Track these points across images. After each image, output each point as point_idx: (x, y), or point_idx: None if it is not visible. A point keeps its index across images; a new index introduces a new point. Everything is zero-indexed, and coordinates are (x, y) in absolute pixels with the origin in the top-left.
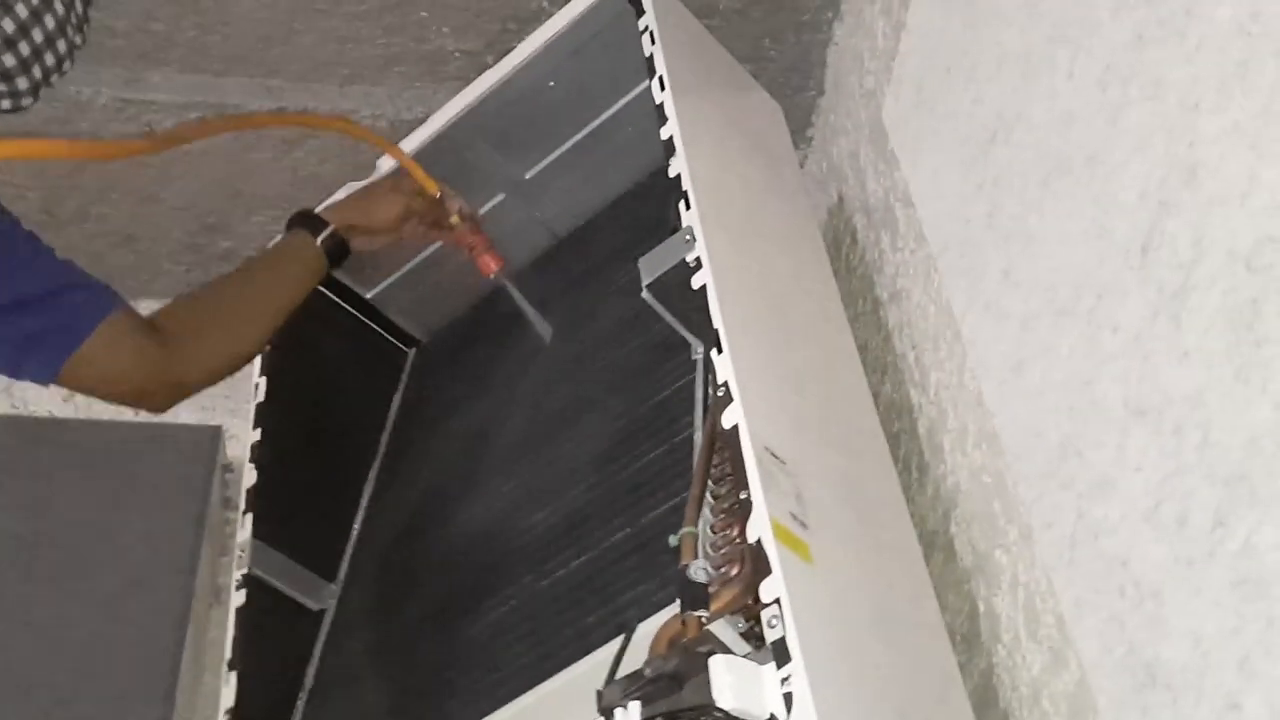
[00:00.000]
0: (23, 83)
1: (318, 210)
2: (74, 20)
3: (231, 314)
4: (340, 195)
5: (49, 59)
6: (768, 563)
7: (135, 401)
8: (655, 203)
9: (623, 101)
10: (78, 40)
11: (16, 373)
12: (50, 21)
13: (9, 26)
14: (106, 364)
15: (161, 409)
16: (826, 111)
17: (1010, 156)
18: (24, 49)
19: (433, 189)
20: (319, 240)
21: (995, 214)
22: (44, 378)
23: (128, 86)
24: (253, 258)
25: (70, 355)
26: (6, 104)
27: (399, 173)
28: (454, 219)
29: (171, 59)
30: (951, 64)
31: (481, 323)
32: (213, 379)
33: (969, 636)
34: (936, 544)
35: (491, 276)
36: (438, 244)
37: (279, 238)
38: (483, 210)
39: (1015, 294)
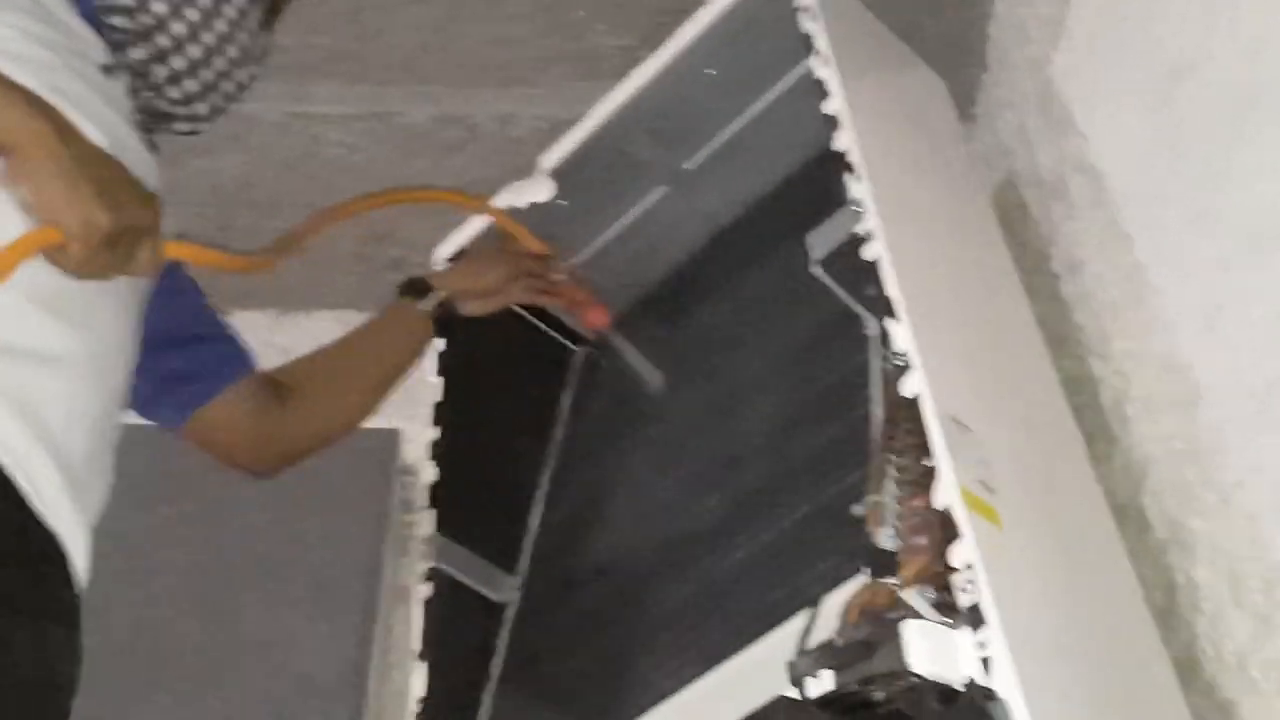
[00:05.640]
0: (201, 108)
1: (428, 275)
2: (256, 52)
3: (341, 384)
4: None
5: (228, 86)
6: (957, 528)
7: (245, 463)
8: (816, 187)
9: (781, 85)
10: (257, 71)
11: (149, 411)
12: (234, 51)
13: (195, 53)
14: (231, 421)
15: (265, 475)
16: (990, 86)
17: (1195, 95)
18: (207, 75)
19: (539, 247)
20: (424, 307)
21: (1182, 157)
22: (174, 421)
23: (296, 101)
24: (361, 326)
25: (204, 404)
26: (185, 126)
27: (503, 234)
28: (558, 276)
29: (336, 71)
30: (1126, 9)
31: (647, 316)
32: (318, 448)
33: (1167, 609)
34: (1127, 517)
35: (597, 331)
36: (607, 237)
37: (386, 305)
38: (644, 204)
39: (1208, 236)
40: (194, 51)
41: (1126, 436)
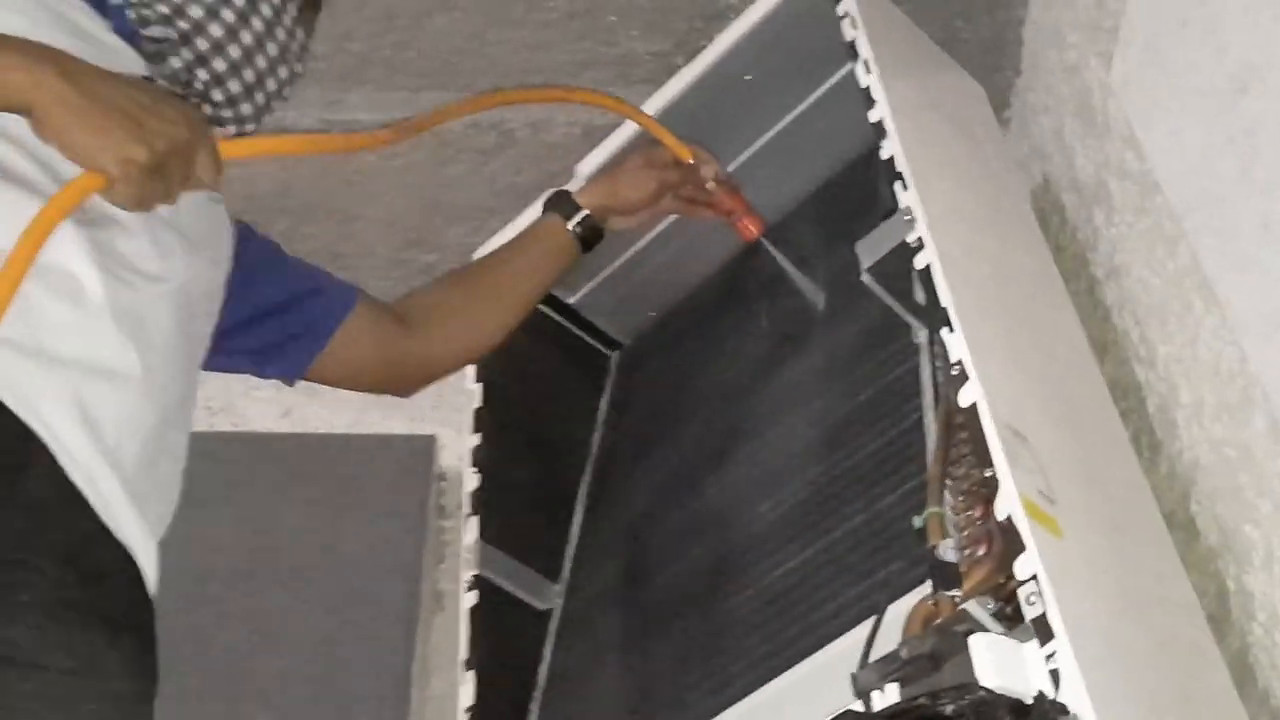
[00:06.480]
0: (246, 108)
1: (574, 192)
2: (295, 49)
3: (478, 300)
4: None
5: (271, 85)
6: (1020, 540)
7: (381, 389)
8: (855, 192)
9: (818, 91)
10: (298, 68)
11: (265, 375)
12: (273, 49)
13: (235, 53)
14: (350, 358)
15: (408, 394)
16: (1024, 91)
17: (1265, 105)
18: (249, 75)
19: (686, 156)
20: (570, 225)
21: (1250, 167)
22: (291, 378)
23: (329, 108)
24: (506, 244)
25: (313, 360)
26: (232, 129)
27: (649, 144)
28: (710, 184)
29: (370, 78)
30: (1187, 16)
31: (683, 321)
32: (458, 364)
33: (1218, 616)
34: (1175, 523)
35: (754, 240)
36: (644, 241)
37: (533, 221)
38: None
39: (1276, 245)
40: (234, 52)
41: (1174, 442)
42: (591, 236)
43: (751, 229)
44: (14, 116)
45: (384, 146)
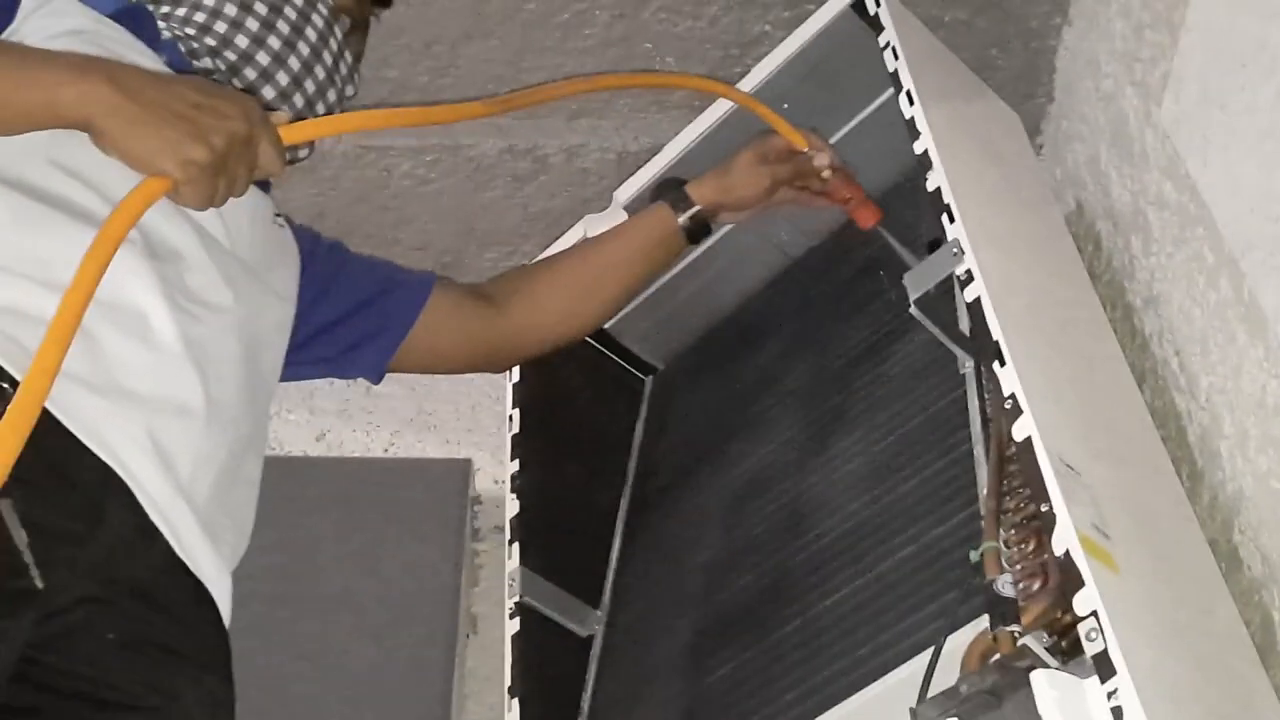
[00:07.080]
0: None
1: (688, 185)
2: (343, 71)
3: (578, 283)
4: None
5: (320, 109)
6: (1078, 575)
7: (471, 369)
8: (891, 221)
9: (855, 120)
10: (348, 90)
11: (345, 376)
12: (321, 73)
13: (283, 80)
14: (433, 346)
15: (501, 370)
16: (1057, 118)
17: None
18: (298, 101)
19: (801, 144)
20: (681, 220)
21: None
22: (373, 376)
23: (367, 133)
24: (614, 229)
25: (392, 354)
26: (287, 155)
27: (759, 136)
28: (825, 174)
29: (406, 104)
30: (1245, 58)
31: (718, 345)
32: (554, 345)
33: (1264, 648)
34: (1218, 553)
35: (871, 228)
36: (680, 266)
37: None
38: (716, 235)
39: None
40: (282, 79)
41: (1217, 473)
42: (700, 232)
43: (869, 218)
44: (72, 150)
45: (466, 119)
